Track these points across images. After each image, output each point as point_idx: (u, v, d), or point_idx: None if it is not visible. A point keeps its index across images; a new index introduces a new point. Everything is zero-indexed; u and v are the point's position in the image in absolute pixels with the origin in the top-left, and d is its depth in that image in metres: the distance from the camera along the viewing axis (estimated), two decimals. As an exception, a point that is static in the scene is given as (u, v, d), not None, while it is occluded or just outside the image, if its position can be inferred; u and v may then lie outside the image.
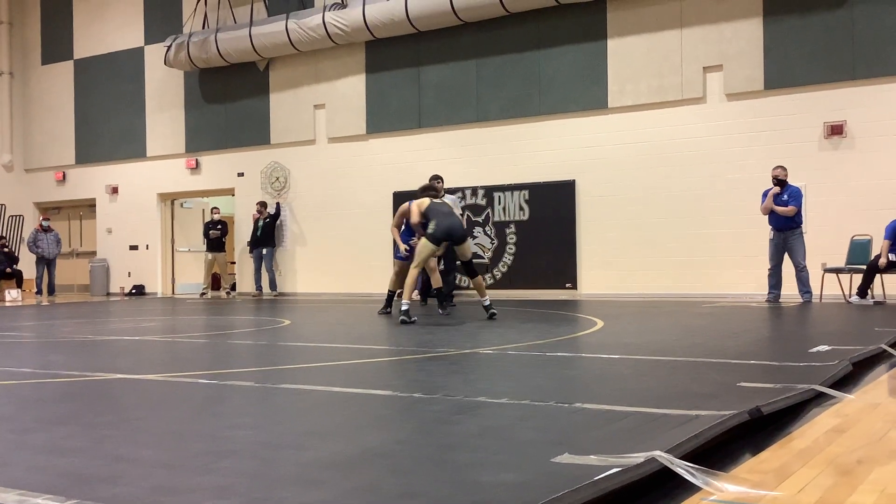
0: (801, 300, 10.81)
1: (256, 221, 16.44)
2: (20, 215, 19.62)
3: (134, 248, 18.85)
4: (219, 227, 16.93)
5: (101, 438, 2.92)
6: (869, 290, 10.85)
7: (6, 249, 17.67)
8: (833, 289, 11.44)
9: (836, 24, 12.05)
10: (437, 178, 11.40)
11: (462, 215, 11.25)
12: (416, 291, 10.44)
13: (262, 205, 16.44)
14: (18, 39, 20.56)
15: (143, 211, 18.72)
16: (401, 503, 2.05)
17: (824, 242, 11.76)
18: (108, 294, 18.89)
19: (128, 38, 18.92)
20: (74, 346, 6.64)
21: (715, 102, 12.94)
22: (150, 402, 3.83)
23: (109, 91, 19.14)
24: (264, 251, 16.38)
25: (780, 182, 11.02)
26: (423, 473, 2.36)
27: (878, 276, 10.79)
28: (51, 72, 20.13)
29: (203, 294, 16.85)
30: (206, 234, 17.00)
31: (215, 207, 17.23)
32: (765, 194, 11.22)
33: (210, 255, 16.96)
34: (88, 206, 19.83)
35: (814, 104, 12.20)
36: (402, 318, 8.06)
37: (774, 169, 11.15)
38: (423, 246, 8.52)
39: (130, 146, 18.85)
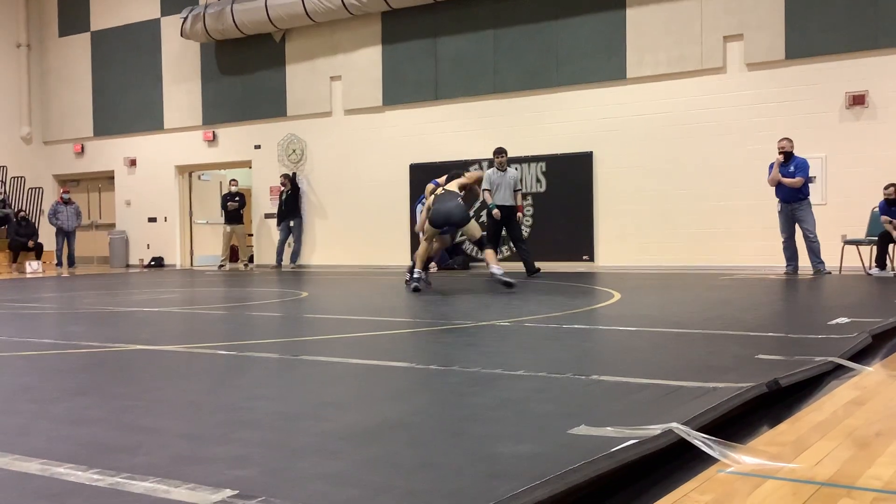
0: (814, 271, 10.72)
1: (281, 194, 16.47)
2: (39, 187, 19.74)
3: (152, 220, 18.95)
4: (237, 198, 16.96)
5: (122, 409, 2.95)
6: (889, 262, 10.76)
7: (24, 222, 17.79)
8: (853, 261, 11.35)
9: (860, -9, 11.85)
10: (499, 151, 11.49)
11: (518, 190, 11.37)
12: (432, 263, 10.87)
13: (286, 177, 16.46)
14: (35, 12, 20.56)
15: (161, 183, 18.80)
16: (417, 474, 2.07)
17: (845, 214, 11.65)
18: (128, 266, 19.03)
19: (144, 10, 18.88)
20: (94, 318, 6.70)
21: (735, 72, 12.79)
22: (170, 373, 3.87)
23: (126, 63, 19.14)
24: (292, 223, 16.43)
25: (787, 154, 10.89)
26: (440, 445, 2.37)
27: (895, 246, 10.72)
28: (68, 44, 20.15)
29: (221, 266, 16.94)
30: (223, 206, 17.04)
31: (233, 179, 17.25)
32: (771, 166, 11.10)
33: (228, 228, 17.01)
34: (107, 179, 19.92)
35: (835, 74, 12.03)
36: (414, 285, 8.74)
37: (780, 141, 11.02)
38: (427, 227, 9.18)
39: (148, 118, 18.89)
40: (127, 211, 19.37)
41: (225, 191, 17.86)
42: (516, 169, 12.12)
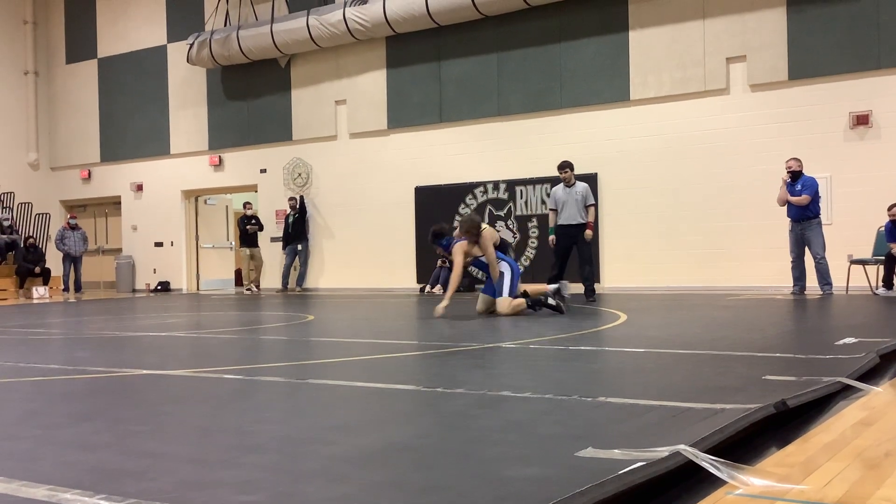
0: (822, 292, 10.69)
1: (287, 218, 16.51)
2: (47, 213, 19.83)
3: (159, 244, 19.01)
4: (254, 221, 16.98)
5: (128, 434, 2.95)
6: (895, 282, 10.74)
7: (32, 248, 17.85)
8: (860, 280, 11.32)
9: (861, 13, 11.91)
10: (563, 166, 10.77)
11: (591, 205, 10.62)
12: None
13: (293, 200, 16.52)
14: (43, 39, 20.77)
15: (168, 208, 18.87)
16: (425, 497, 2.06)
17: (851, 233, 11.64)
18: (134, 290, 19.06)
19: (151, 37, 19.06)
20: (101, 343, 6.71)
21: (738, 93, 12.83)
22: (176, 398, 3.86)
23: (133, 89, 19.29)
24: (299, 246, 16.45)
25: (794, 174, 10.89)
26: (447, 468, 2.36)
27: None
28: (75, 71, 20.33)
29: (249, 290, 16.84)
30: (242, 229, 17.06)
31: (248, 203, 17.25)
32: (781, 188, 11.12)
33: (248, 251, 17.02)
34: (114, 204, 20.01)
35: (839, 94, 12.07)
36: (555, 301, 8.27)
37: (788, 161, 11.03)
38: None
39: (154, 144, 19.00)
40: (133, 236, 19.44)
41: (231, 215, 17.88)
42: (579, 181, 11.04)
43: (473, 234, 8.52)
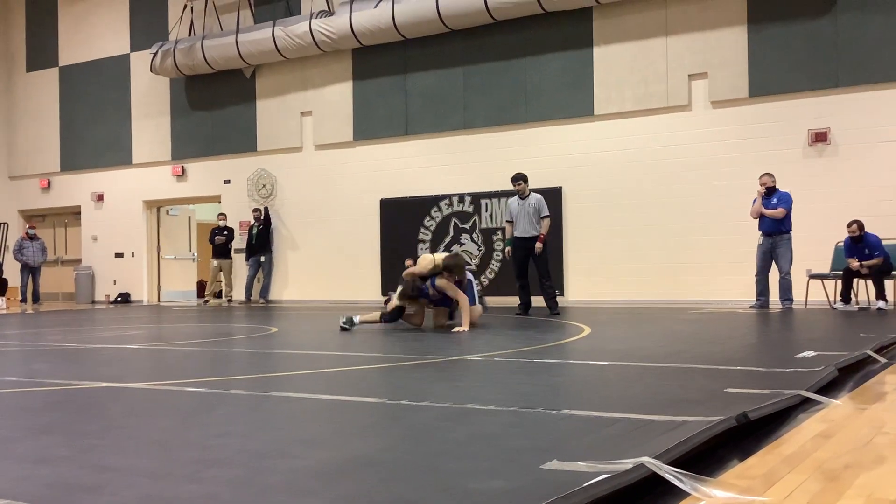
0: (782, 306, 10.85)
1: (250, 229, 16.40)
2: (4, 223, 19.48)
3: (119, 255, 18.76)
4: (225, 232, 16.84)
5: (87, 448, 2.90)
6: (853, 296, 10.93)
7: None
8: (818, 295, 11.51)
9: (820, 32, 12.16)
10: (516, 178, 10.78)
11: (545, 217, 10.57)
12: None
13: (258, 211, 16.42)
14: (3, 46, 20.45)
15: (129, 218, 18.64)
16: (390, 511, 2.05)
17: (809, 249, 11.82)
18: (94, 302, 18.77)
19: (113, 45, 18.86)
20: (59, 355, 6.59)
21: (700, 110, 13.02)
22: (136, 411, 3.81)
23: (95, 98, 19.06)
24: (262, 258, 16.34)
25: (770, 190, 11.07)
26: (412, 481, 2.35)
27: (858, 281, 10.92)
28: (36, 79, 20.04)
29: (206, 301, 16.77)
30: (212, 241, 16.91)
31: (222, 214, 17.09)
32: (755, 201, 11.28)
33: (216, 262, 16.88)
34: (73, 214, 19.72)
35: (798, 112, 12.29)
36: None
37: (762, 177, 11.18)
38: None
39: (116, 153, 18.77)
40: (93, 246, 19.16)
41: (194, 225, 17.71)
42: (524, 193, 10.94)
43: (457, 275, 8.34)
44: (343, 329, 8.26)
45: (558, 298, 11.86)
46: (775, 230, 11.01)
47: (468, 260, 14.02)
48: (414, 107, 15.27)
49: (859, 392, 4.15)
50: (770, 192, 11.07)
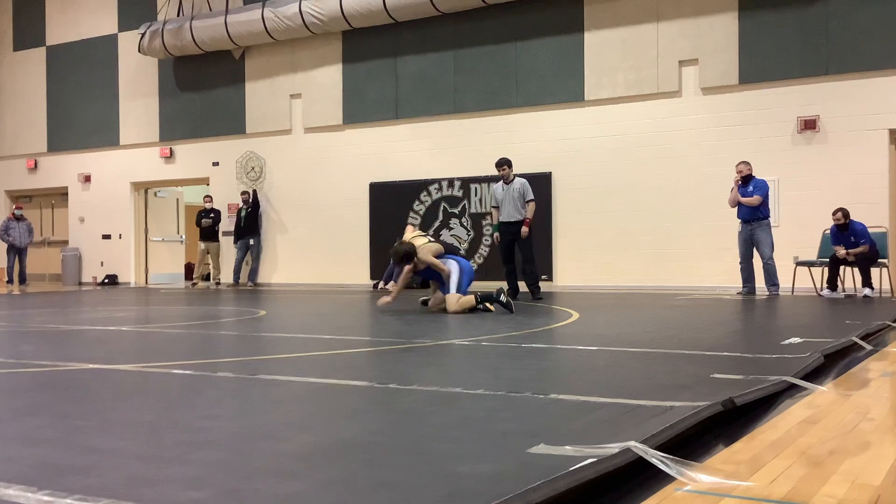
0: (768, 293, 10.90)
1: (239, 212, 16.33)
2: (-10, 203, 19.36)
3: (107, 237, 18.66)
4: (212, 215, 16.77)
5: (74, 429, 2.89)
6: (840, 283, 10.99)
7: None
8: (805, 282, 11.57)
9: (811, 19, 12.16)
10: (500, 164, 10.88)
11: (530, 201, 10.72)
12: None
13: (247, 194, 16.35)
14: (-11, 25, 20.25)
15: (117, 200, 18.54)
16: (376, 494, 2.05)
17: (797, 236, 11.89)
18: (81, 283, 18.69)
19: (101, 25, 18.69)
20: (46, 336, 6.56)
21: (690, 96, 13.02)
22: (124, 393, 3.80)
23: (82, 78, 18.90)
24: (251, 241, 16.29)
25: (746, 178, 11.10)
26: (399, 464, 2.35)
27: (845, 268, 10.98)
28: (23, 58, 19.85)
29: (194, 284, 16.73)
30: (198, 223, 16.83)
31: (207, 196, 17.02)
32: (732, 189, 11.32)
33: (203, 245, 16.81)
34: (60, 195, 19.60)
35: (788, 99, 12.31)
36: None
37: (738, 165, 11.22)
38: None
39: (103, 134, 18.64)
40: (80, 228, 19.06)
41: (182, 207, 17.64)
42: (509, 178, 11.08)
43: (406, 261, 8.54)
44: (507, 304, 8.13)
45: (546, 283, 11.89)
46: (752, 217, 11.04)
47: (457, 244, 14.03)
48: (404, 90, 15.22)
49: (845, 378, 4.17)
50: (746, 180, 11.09)
